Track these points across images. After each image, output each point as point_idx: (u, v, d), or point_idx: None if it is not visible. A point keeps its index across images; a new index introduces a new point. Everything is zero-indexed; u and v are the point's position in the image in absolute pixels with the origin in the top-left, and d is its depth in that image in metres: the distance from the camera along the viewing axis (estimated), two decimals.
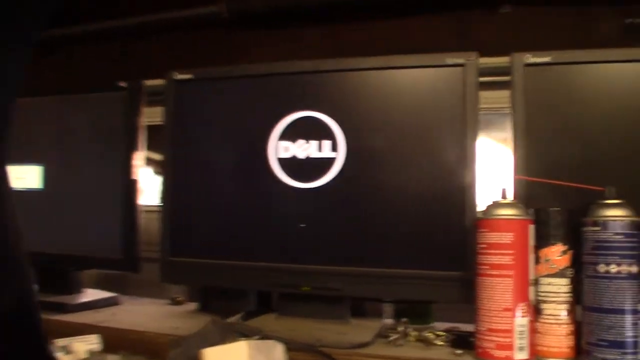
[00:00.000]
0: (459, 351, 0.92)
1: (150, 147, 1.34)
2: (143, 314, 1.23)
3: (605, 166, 0.96)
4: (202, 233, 1.16)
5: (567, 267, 0.88)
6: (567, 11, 1.56)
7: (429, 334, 1.00)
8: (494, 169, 1.21)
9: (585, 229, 0.87)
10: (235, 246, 1.12)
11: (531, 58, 1.00)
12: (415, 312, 1.13)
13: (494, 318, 0.86)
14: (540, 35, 1.57)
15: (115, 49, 1.78)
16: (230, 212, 1.14)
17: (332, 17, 1.70)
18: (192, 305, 1.33)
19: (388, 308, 1.18)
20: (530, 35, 1.58)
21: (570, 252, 0.89)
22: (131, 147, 1.26)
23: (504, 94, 1.47)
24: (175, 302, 1.35)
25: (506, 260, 0.86)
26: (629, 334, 0.81)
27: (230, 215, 1.14)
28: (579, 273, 0.88)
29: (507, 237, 0.87)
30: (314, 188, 1.08)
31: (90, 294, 1.33)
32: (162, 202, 1.19)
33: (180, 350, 0.87)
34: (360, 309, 1.15)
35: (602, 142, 0.97)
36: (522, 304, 0.86)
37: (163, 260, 1.17)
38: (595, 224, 0.86)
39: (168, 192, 1.19)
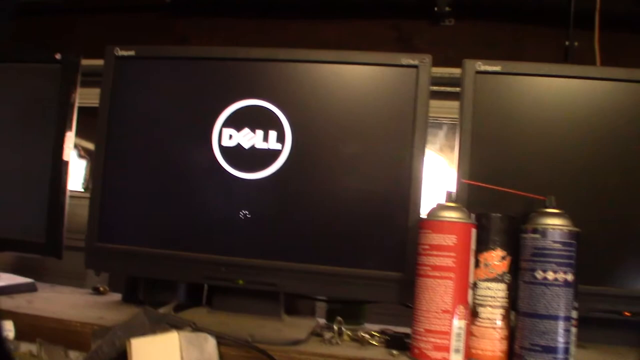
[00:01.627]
0: (395, 352, 0.91)
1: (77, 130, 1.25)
2: (62, 302, 1.15)
3: (546, 175, 0.99)
4: (134, 219, 1.10)
5: (505, 273, 0.89)
6: (506, 27, 1.61)
7: (364, 334, 0.98)
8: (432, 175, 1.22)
9: (525, 235, 0.89)
10: (169, 235, 1.07)
11: (482, 66, 1.01)
12: (349, 312, 1.11)
13: (433, 319, 0.86)
14: (479, 49, 1.62)
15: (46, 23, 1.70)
16: (165, 199, 1.08)
17: (274, 12, 1.69)
18: (116, 296, 1.26)
19: (321, 307, 1.17)
20: (470, 48, 1.63)
21: (509, 258, 0.90)
22: (64, 126, 1.17)
23: (443, 103, 1.50)
24: (98, 292, 1.28)
25: (448, 262, 0.87)
26: (561, 339, 0.83)
27: (166, 202, 1.08)
28: (516, 279, 0.89)
29: (450, 239, 0.87)
30: (255, 179, 1.05)
31: (5, 279, 1.22)
32: (92, 184, 1.12)
33: (106, 340, 0.82)
34: (293, 306, 1.12)
35: (544, 153, 1.00)
36: (460, 307, 0.86)
37: (89, 245, 1.10)
38: (535, 231, 0.87)
39: (99, 174, 1.11)
